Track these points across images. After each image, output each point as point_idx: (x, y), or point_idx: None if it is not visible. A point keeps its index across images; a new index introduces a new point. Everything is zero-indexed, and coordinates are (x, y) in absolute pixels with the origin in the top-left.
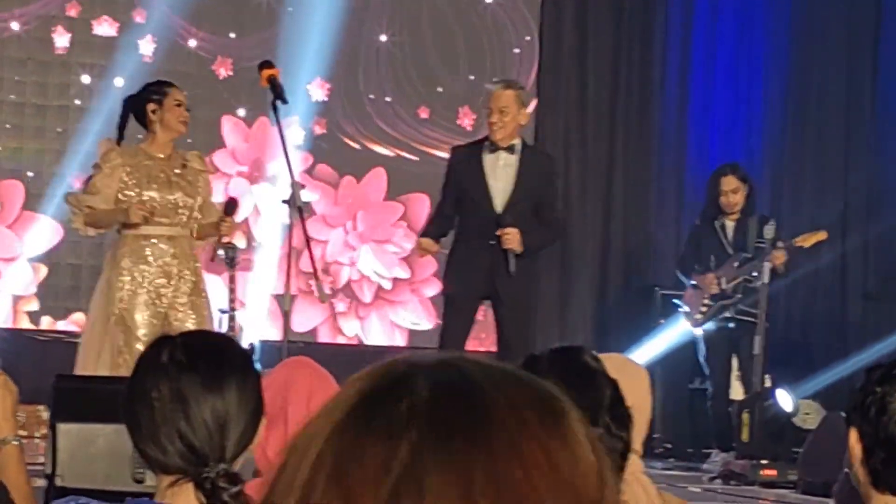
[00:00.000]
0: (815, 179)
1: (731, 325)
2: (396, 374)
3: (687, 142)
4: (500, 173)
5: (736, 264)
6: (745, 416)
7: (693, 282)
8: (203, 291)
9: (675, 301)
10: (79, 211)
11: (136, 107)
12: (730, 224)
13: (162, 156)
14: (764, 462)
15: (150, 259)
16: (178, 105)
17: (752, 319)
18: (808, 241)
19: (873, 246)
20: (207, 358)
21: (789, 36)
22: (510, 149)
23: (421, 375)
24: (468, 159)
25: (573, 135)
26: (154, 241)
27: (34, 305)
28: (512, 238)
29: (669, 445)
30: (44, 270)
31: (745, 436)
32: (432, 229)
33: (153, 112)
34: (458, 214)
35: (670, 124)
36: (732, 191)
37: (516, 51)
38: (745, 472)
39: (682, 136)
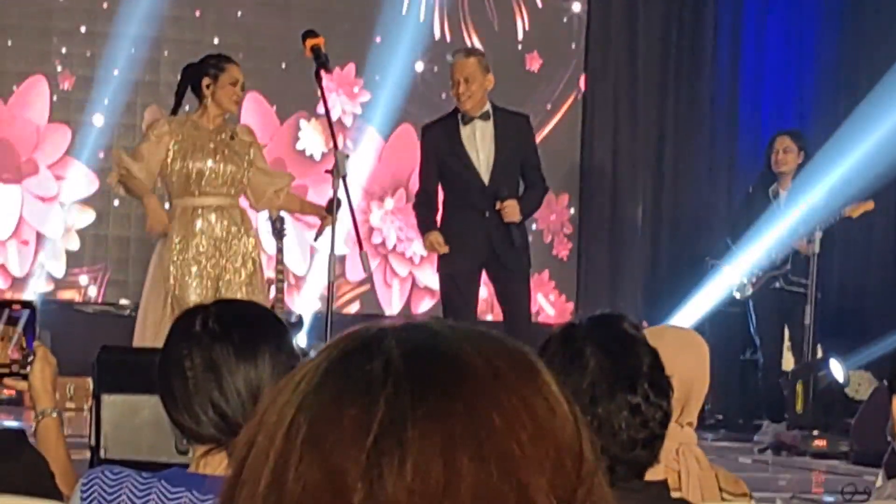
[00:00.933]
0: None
1: (782, 294)
2: (366, 337)
3: (739, 110)
4: (480, 143)
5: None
6: (799, 387)
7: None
8: (259, 264)
9: (717, 264)
10: (116, 168)
11: (193, 78)
12: (783, 193)
13: (211, 127)
14: (815, 433)
15: (200, 231)
16: (234, 84)
17: (803, 290)
18: (855, 211)
19: None
20: (241, 327)
21: (842, 2)
22: (483, 116)
23: (391, 337)
24: (445, 134)
25: (623, 105)
26: (203, 211)
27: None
28: (511, 210)
29: (721, 417)
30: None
31: (799, 406)
32: (431, 221)
33: (207, 87)
34: (444, 190)
35: (722, 93)
36: (784, 149)
37: (564, 20)
38: (796, 443)
39: (733, 104)
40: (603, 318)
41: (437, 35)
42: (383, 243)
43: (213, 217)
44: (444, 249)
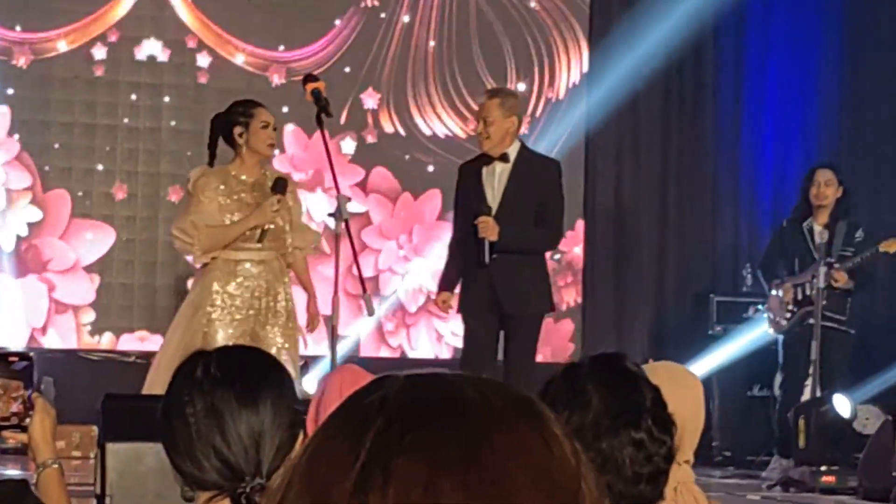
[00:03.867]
0: (872, 182)
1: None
2: (373, 381)
3: (741, 147)
4: (497, 185)
5: (821, 270)
6: (802, 423)
7: (774, 291)
8: (295, 317)
9: (759, 307)
10: (193, 236)
11: (224, 129)
12: (818, 228)
13: (251, 180)
14: (823, 468)
15: (241, 280)
16: (265, 127)
17: (837, 326)
18: (892, 246)
19: None
20: (242, 373)
21: (842, 37)
22: (503, 158)
23: (394, 378)
24: (471, 173)
25: (626, 142)
26: (246, 264)
27: (90, 316)
28: (485, 226)
29: (728, 453)
30: (97, 280)
31: (801, 442)
32: (447, 279)
33: (240, 136)
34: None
35: (725, 130)
36: (825, 182)
37: (564, 58)
38: (804, 478)
39: (736, 141)
40: (605, 356)
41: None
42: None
43: (254, 269)
44: (449, 309)
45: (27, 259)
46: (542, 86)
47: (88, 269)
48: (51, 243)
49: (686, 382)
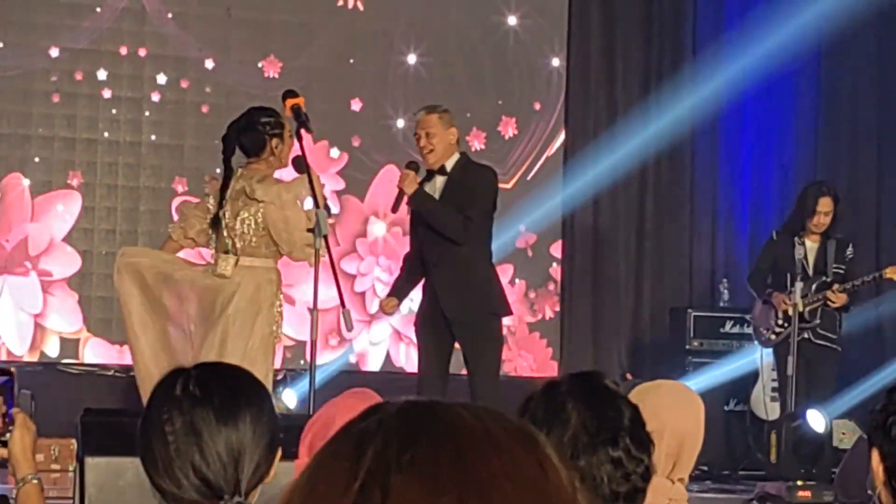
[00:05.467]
0: (849, 196)
1: (809, 346)
2: (372, 407)
3: (719, 162)
4: (435, 195)
5: (813, 288)
6: (773, 438)
7: (764, 297)
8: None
9: (746, 317)
10: (306, 244)
11: (256, 141)
12: (810, 244)
13: None
14: (799, 483)
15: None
16: (291, 136)
17: (828, 344)
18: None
19: None
20: (221, 390)
21: (819, 52)
22: (442, 170)
23: (392, 403)
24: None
25: (604, 157)
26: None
27: (70, 329)
28: (405, 177)
29: (705, 468)
30: (74, 297)
31: (772, 457)
32: (396, 288)
33: (276, 146)
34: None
35: (703, 145)
36: (826, 213)
37: (544, 74)
38: (781, 493)
39: (714, 156)
40: (584, 374)
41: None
42: None
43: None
44: (392, 311)
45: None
46: (521, 100)
47: (68, 282)
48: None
49: (687, 400)
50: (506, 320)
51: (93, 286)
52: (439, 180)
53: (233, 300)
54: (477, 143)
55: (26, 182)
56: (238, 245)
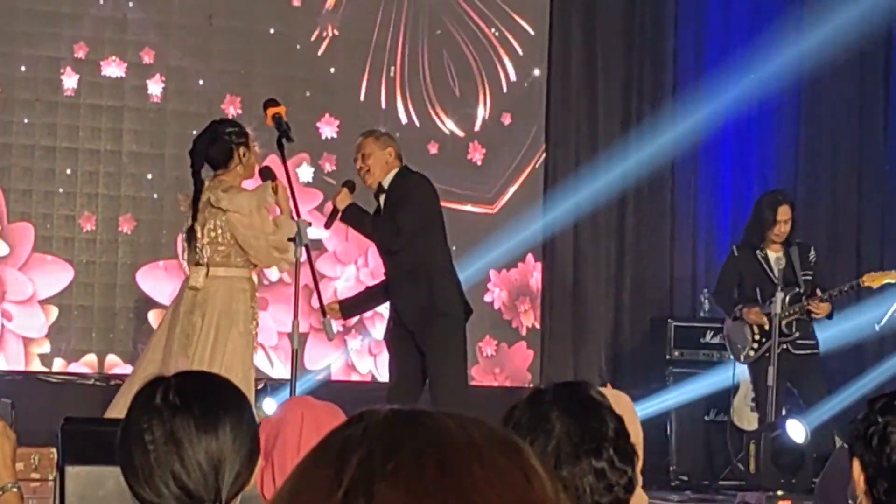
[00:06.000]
0: (829, 207)
1: (789, 357)
2: (357, 414)
3: (699, 173)
4: (380, 213)
5: (787, 300)
6: (752, 448)
7: (735, 315)
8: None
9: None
10: (274, 255)
11: (222, 152)
12: (773, 254)
13: None
14: (780, 494)
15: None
16: (257, 145)
17: (811, 352)
18: (876, 280)
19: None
20: (201, 399)
21: (800, 63)
22: (381, 188)
23: (376, 411)
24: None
25: (584, 168)
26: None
27: (46, 348)
28: (340, 195)
29: (685, 477)
30: (55, 312)
31: (751, 467)
32: (353, 296)
33: (243, 155)
34: None
35: (683, 156)
36: (785, 221)
37: (525, 86)
38: (760, 503)
39: (694, 167)
40: (569, 384)
41: (404, 120)
42: None
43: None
44: (332, 314)
45: None
46: (499, 108)
47: (47, 296)
48: (9, 272)
49: (628, 405)
50: (502, 331)
51: (73, 296)
52: (382, 199)
53: (206, 311)
54: (477, 155)
55: None
56: (207, 255)
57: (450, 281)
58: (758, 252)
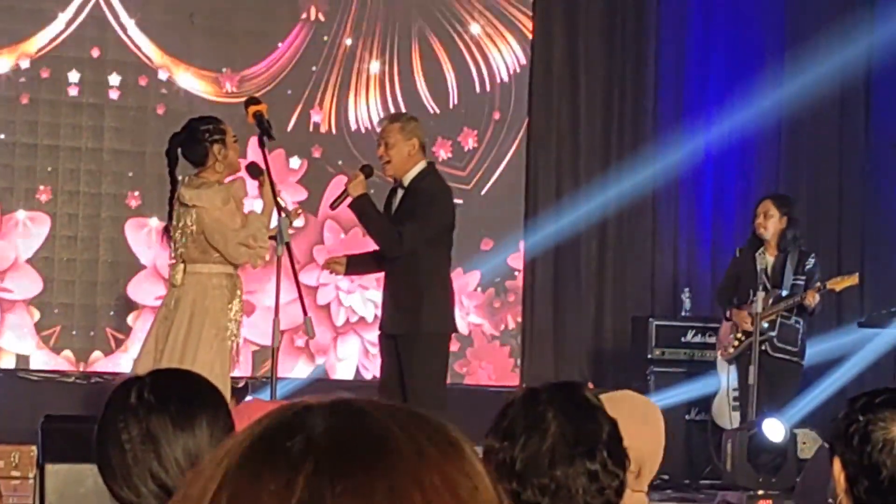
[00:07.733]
0: (811, 209)
1: (768, 359)
2: (290, 414)
3: (680, 171)
4: (393, 210)
5: (770, 301)
6: (728, 447)
7: (728, 316)
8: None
9: (708, 327)
10: (252, 252)
11: (196, 149)
12: (769, 259)
13: None
14: (759, 493)
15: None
16: (236, 140)
17: (789, 357)
18: (839, 284)
19: (868, 279)
20: (177, 397)
21: (783, 65)
22: (401, 184)
23: (317, 414)
24: (385, 205)
25: (565, 165)
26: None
27: (27, 346)
28: (353, 179)
29: (666, 477)
30: (36, 313)
31: (728, 466)
32: (354, 256)
33: (219, 152)
34: None
35: (665, 155)
36: (765, 214)
37: (506, 81)
38: (741, 502)
39: (676, 166)
40: (565, 384)
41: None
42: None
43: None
44: (333, 267)
45: None
46: (485, 106)
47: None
48: None
49: (649, 415)
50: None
51: (54, 294)
52: (399, 194)
53: (179, 308)
54: (443, 152)
55: None
56: (181, 252)
57: (442, 297)
58: (757, 254)
